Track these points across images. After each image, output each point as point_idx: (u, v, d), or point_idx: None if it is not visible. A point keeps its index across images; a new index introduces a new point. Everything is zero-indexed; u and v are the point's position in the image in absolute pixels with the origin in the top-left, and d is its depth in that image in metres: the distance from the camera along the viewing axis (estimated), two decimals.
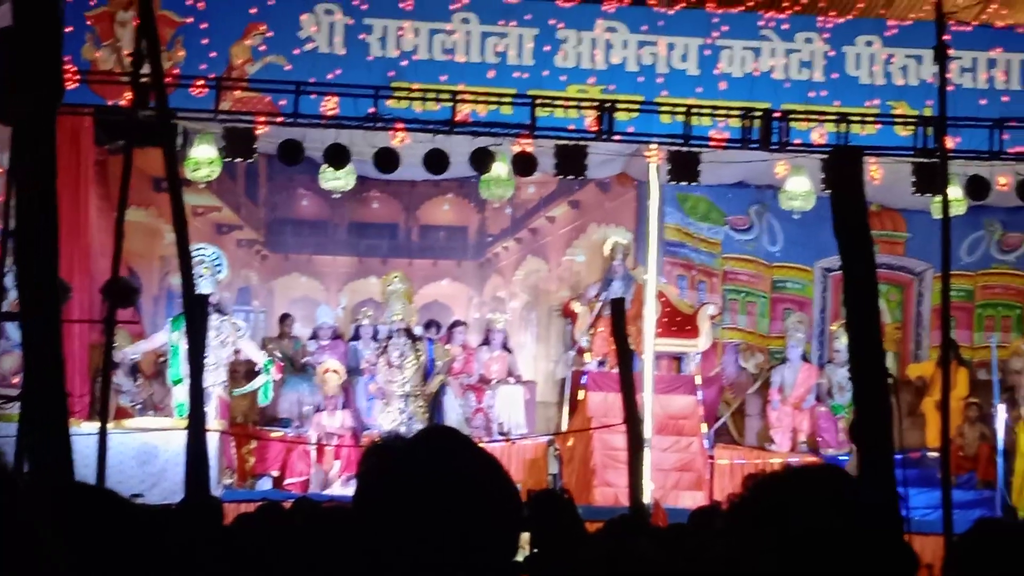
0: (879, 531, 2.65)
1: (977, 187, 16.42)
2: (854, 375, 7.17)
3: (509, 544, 2.35)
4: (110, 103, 15.57)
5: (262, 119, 15.86)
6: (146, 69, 9.55)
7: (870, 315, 7.08)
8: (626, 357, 10.17)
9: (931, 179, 15.90)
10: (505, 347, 18.10)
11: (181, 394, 15.22)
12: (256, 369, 16.60)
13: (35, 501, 1.87)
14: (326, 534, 3.18)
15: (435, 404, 17.34)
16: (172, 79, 14.82)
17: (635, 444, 9.90)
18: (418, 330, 17.50)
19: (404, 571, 2.16)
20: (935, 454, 14.97)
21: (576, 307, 18.23)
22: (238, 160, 16.33)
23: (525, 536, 6.73)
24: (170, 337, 15.82)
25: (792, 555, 2.59)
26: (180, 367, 15.27)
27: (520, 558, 6.32)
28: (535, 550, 6.52)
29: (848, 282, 7.23)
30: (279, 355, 17.28)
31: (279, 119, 15.89)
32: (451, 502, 2.28)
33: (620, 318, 10.38)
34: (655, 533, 7.45)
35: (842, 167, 7.33)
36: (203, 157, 16.03)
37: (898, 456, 17.74)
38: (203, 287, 15.06)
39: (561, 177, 16.90)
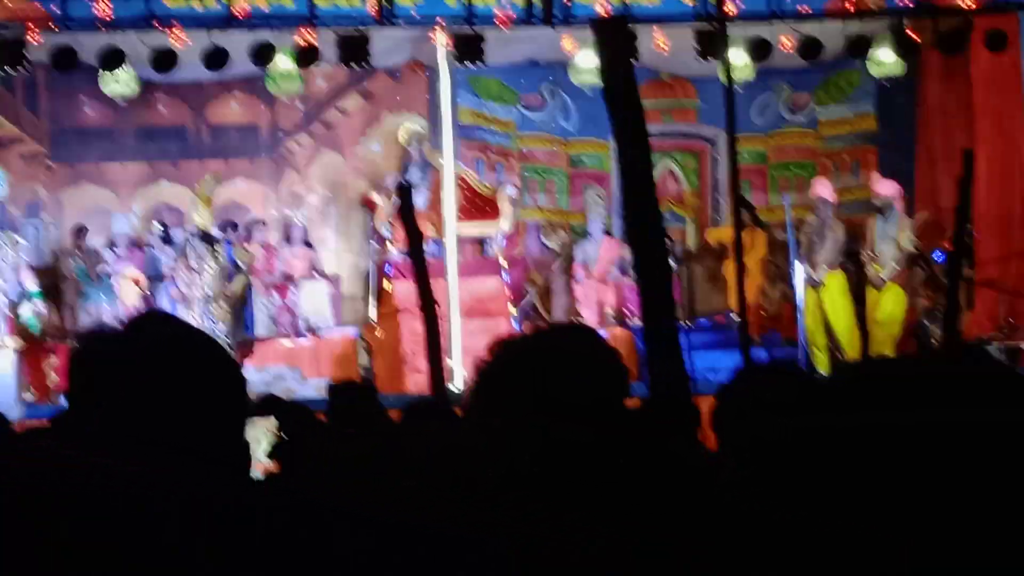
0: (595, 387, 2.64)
1: (759, 49, 16.60)
2: (633, 246, 7.21)
3: (231, 428, 2.27)
4: None
5: (32, 27, 15.35)
6: None
7: (645, 181, 7.08)
8: (417, 243, 10.14)
9: (714, 44, 16.02)
10: (306, 243, 17.94)
11: None
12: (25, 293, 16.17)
13: None
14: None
15: (241, 305, 17.14)
16: None
17: (431, 325, 9.90)
18: (216, 232, 17.23)
19: (121, 464, 2.06)
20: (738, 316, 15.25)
21: (375, 197, 18.07)
22: (12, 72, 15.80)
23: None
24: None
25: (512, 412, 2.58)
26: None
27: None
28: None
29: (622, 150, 7.22)
30: (73, 266, 16.90)
31: (50, 25, 15.40)
32: (164, 387, 2.19)
33: (407, 204, 10.32)
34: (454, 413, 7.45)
35: (609, 36, 7.30)
36: None
37: (704, 321, 18.07)
38: None
39: (348, 67, 16.67)
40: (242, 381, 2.33)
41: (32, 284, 16.05)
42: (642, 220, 7.03)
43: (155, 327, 2.38)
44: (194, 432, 2.20)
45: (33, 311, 16.18)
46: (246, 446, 2.33)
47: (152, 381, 2.21)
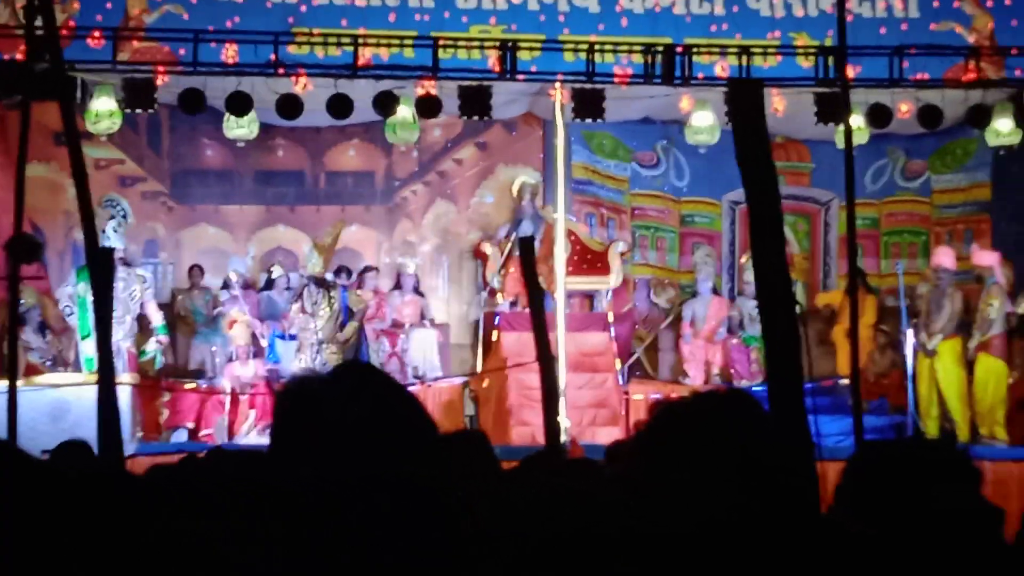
0: (781, 448, 2.68)
1: (879, 115, 16.57)
2: (761, 305, 7.19)
3: (431, 472, 2.34)
4: (6, 57, 15.32)
5: (162, 69, 15.67)
6: (40, 22, 9.39)
7: (776, 244, 7.09)
8: (536, 295, 10.15)
9: (833, 108, 16.03)
10: (417, 291, 18.06)
11: (89, 348, 15.07)
12: (150, 327, 16.42)
13: None
14: (243, 478, 3.16)
15: (352, 351, 17.26)
16: (68, 31, 14.61)
17: (548, 381, 9.92)
18: (329, 277, 17.40)
19: (324, 507, 2.15)
20: (846, 381, 15.15)
21: (487, 248, 18.20)
22: (139, 111, 16.14)
23: None
24: (76, 289, 15.58)
25: (696, 471, 2.62)
26: (88, 321, 15.10)
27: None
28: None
29: (753, 212, 7.22)
30: (188, 306, 17.17)
31: (179, 68, 15.72)
32: (367, 435, 2.27)
33: (529, 256, 10.34)
34: (571, 467, 7.48)
35: (742, 98, 7.33)
36: (103, 109, 15.83)
37: (810, 385, 18.01)
38: (110, 240, 14.90)
39: (466, 119, 16.83)
40: (436, 431, 2.41)
41: (159, 319, 16.32)
42: (771, 280, 7.03)
43: (355, 376, 2.46)
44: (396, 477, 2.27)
45: (159, 346, 16.44)
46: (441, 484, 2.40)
47: (356, 424, 2.29)
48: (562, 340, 16.09)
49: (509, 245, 17.66)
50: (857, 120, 16.11)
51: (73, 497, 2.14)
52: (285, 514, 2.10)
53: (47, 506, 2.09)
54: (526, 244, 10.64)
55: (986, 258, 16.44)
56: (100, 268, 8.66)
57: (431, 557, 2.14)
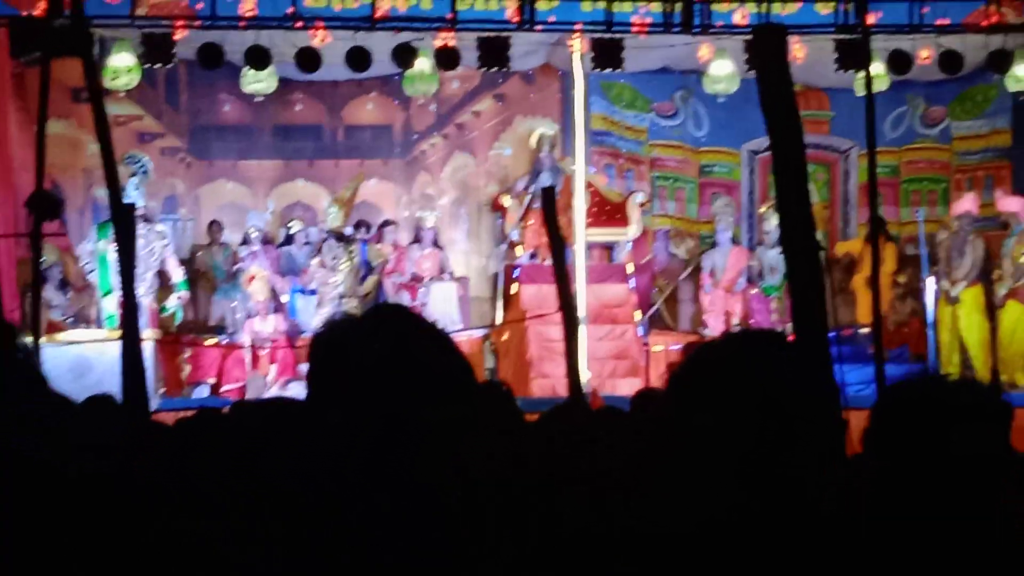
0: (806, 392, 2.67)
1: (899, 62, 16.48)
2: (786, 252, 7.20)
3: (467, 416, 2.34)
4: (24, 14, 15.28)
5: (180, 23, 15.63)
6: None
7: (800, 190, 7.09)
8: (559, 246, 10.17)
9: (853, 55, 15.94)
10: (436, 244, 18.07)
11: (111, 305, 15.11)
12: (171, 283, 16.42)
13: None
14: (278, 427, 3.17)
15: (372, 305, 17.27)
16: None
17: (571, 330, 9.93)
18: (348, 231, 17.42)
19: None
20: (867, 330, 15.13)
21: (506, 201, 18.18)
22: (157, 67, 16.11)
23: None
24: (96, 246, 15.60)
25: (727, 413, 2.61)
26: (109, 277, 15.12)
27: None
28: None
29: (777, 158, 7.23)
30: (208, 262, 17.18)
31: (197, 23, 15.67)
32: (389, 378, 2.26)
33: (551, 207, 10.35)
34: (595, 417, 7.49)
35: (766, 45, 7.31)
36: (121, 65, 15.79)
37: (831, 334, 17.98)
38: (131, 197, 14.89)
39: (485, 70, 16.76)
40: (471, 372, 2.40)
41: (180, 275, 16.31)
42: (795, 229, 7.04)
43: (391, 318, 2.45)
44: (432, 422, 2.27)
45: (179, 302, 16.47)
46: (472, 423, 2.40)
47: (391, 369, 2.29)
48: (582, 292, 16.09)
49: (528, 197, 17.63)
50: (877, 67, 16.01)
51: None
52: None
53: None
54: (548, 195, 10.64)
55: (1012, 204, 16.35)
56: (124, 224, 8.68)
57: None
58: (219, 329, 17.29)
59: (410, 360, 2.31)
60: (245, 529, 2.06)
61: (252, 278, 16.75)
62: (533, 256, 17.65)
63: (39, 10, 14.80)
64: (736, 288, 17.70)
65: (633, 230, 17.91)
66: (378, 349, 2.31)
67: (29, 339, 9.80)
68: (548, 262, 14.83)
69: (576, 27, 16.28)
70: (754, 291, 17.72)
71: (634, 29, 16.30)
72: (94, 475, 2.24)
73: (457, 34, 15.94)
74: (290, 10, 15.51)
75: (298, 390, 15.39)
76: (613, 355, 16.77)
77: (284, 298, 17.31)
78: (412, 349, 2.33)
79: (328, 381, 2.36)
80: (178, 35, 15.66)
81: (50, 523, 2.09)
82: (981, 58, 16.78)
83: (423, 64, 16.22)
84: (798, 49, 16.30)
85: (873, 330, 10.76)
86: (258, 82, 16.34)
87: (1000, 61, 16.68)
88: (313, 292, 16.87)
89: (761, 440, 2.63)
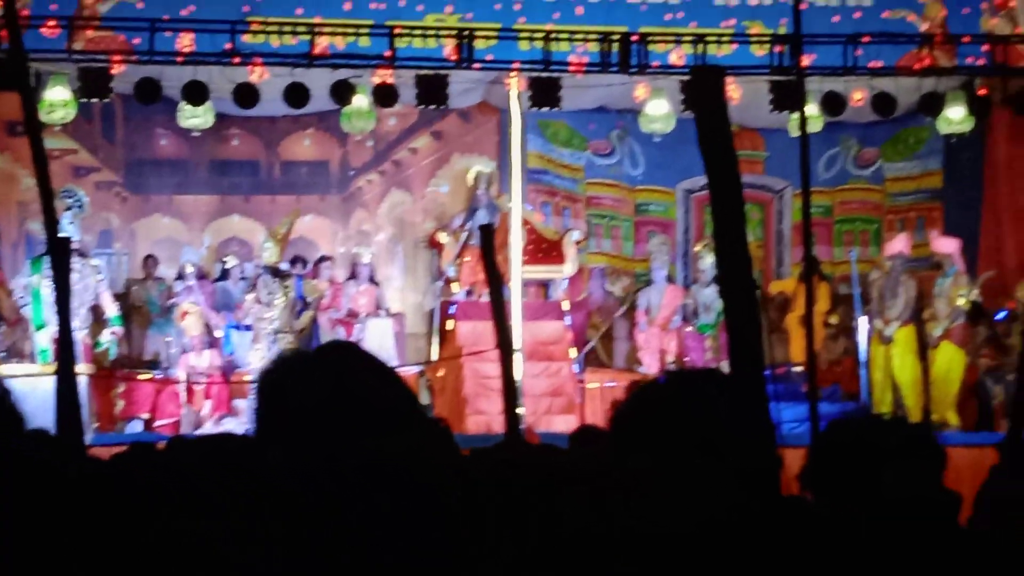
0: (741, 431, 2.71)
1: (833, 103, 16.66)
2: (723, 290, 7.22)
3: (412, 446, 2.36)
4: None
5: (117, 58, 15.58)
6: None
7: (738, 230, 7.13)
8: (496, 282, 10.17)
9: (788, 96, 16.10)
10: (372, 280, 18.05)
11: (44, 339, 14.97)
12: (105, 318, 16.27)
13: None
14: (216, 463, 3.16)
15: (307, 340, 17.24)
16: (22, 20, 14.46)
17: (507, 366, 9.93)
18: (284, 266, 17.36)
19: (324, 507, 2.17)
20: (800, 368, 15.23)
21: (442, 238, 18.18)
22: (94, 101, 16.04)
23: None
24: (30, 280, 15.45)
25: (657, 453, 2.65)
26: (42, 312, 14.98)
27: None
28: None
29: (715, 197, 7.26)
30: (143, 296, 17.05)
31: (134, 57, 15.62)
32: (327, 417, 2.28)
33: (489, 244, 10.36)
34: (533, 454, 7.50)
35: (704, 84, 7.37)
36: (57, 99, 15.68)
37: (765, 372, 18.11)
38: (67, 231, 14.77)
39: (422, 107, 16.79)
40: (414, 400, 2.43)
41: (114, 310, 16.16)
42: (732, 267, 7.08)
43: (334, 355, 2.48)
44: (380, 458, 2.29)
45: (113, 337, 16.32)
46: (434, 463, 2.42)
47: (338, 405, 2.31)
48: (518, 329, 16.11)
49: (465, 234, 17.65)
50: (811, 108, 16.17)
51: (73, 497, 2.14)
52: (285, 514, 2.11)
53: (47, 506, 2.09)
54: (486, 233, 10.64)
55: (947, 245, 16.51)
56: (59, 258, 8.61)
57: (431, 557, 2.16)
58: (153, 364, 17.17)
59: (351, 396, 2.33)
60: (245, 529, 2.07)
61: (185, 313, 16.63)
62: (469, 293, 17.66)
63: None
64: (671, 326, 17.76)
65: (569, 268, 17.96)
66: (319, 387, 2.33)
67: None
68: (484, 299, 14.86)
69: (514, 66, 16.36)
70: (688, 329, 17.79)
71: (571, 68, 16.40)
72: (94, 475, 2.24)
73: (395, 71, 15.97)
74: (228, 46, 15.50)
75: (232, 425, 15.33)
76: (548, 392, 16.79)
77: (219, 333, 17.22)
78: (353, 385, 2.35)
79: (272, 418, 2.37)
80: (115, 69, 15.60)
81: (50, 523, 2.10)
82: (914, 100, 16.98)
83: (361, 101, 16.23)
84: (733, 90, 16.42)
85: (807, 368, 10.79)
86: (195, 117, 16.28)
87: (932, 104, 16.88)
88: (248, 327, 16.78)
89: (743, 496, 2.65)
